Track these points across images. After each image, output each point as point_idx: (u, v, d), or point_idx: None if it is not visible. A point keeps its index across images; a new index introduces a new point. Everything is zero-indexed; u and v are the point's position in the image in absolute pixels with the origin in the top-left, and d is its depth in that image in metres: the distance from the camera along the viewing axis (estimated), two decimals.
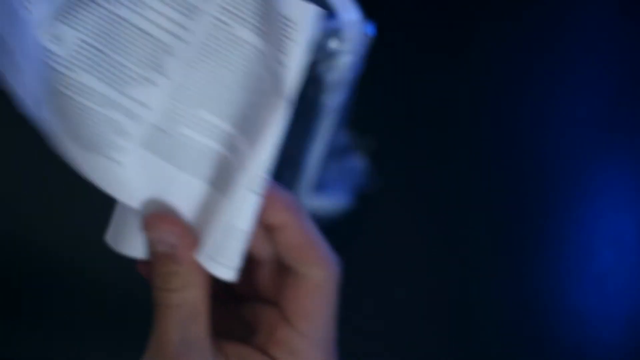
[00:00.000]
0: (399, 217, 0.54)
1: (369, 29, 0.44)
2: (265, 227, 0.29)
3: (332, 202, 0.50)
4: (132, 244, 0.29)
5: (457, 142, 0.56)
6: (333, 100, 0.45)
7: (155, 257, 0.27)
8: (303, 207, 0.29)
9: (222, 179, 0.30)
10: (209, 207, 0.30)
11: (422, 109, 0.57)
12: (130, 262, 0.29)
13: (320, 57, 0.43)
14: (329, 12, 0.43)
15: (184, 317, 0.26)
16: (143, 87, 0.30)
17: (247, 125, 0.30)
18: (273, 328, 0.28)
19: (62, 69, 0.30)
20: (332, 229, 0.51)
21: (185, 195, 0.30)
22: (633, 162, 0.57)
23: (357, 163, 0.52)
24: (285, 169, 0.45)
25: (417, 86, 0.57)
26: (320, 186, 0.48)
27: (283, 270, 0.28)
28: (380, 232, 0.53)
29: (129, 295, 0.43)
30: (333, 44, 0.43)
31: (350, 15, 0.43)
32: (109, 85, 0.30)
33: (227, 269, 0.27)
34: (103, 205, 0.30)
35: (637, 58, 0.60)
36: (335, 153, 0.48)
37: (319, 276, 0.28)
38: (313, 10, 0.29)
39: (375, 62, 0.46)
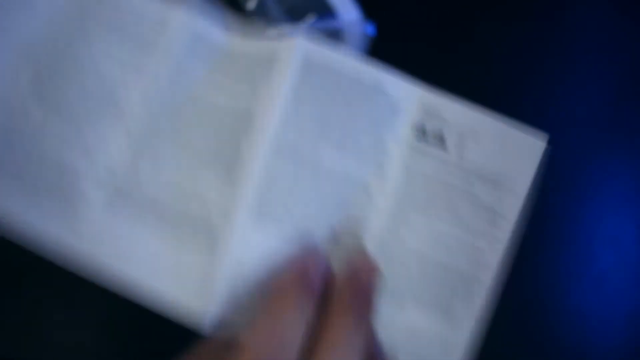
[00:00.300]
0: None
1: (369, 29, 0.44)
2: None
3: None
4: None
5: None
6: None
7: None
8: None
9: (189, 231, 0.29)
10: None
11: None
12: None
13: None
14: (329, 12, 0.43)
15: None
16: (102, 128, 0.30)
17: (216, 162, 0.30)
18: None
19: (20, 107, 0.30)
20: None
21: (150, 248, 0.29)
22: (633, 162, 0.57)
23: None
24: None
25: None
26: None
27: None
28: None
29: None
30: (333, 44, 0.43)
31: (350, 15, 0.43)
32: (68, 125, 0.30)
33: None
34: None
35: (637, 58, 0.60)
36: None
37: None
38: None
39: (375, 62, 0.46)
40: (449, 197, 0.30)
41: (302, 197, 0.28)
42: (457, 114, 0.31)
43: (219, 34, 0.31)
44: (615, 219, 0.55)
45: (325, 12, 0.42)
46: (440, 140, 0.31)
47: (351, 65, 0.31)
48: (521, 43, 0.60)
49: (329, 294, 0.27)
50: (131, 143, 0.29)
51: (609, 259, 0.53)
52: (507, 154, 0.30)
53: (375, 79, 0.31)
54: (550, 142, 0.58)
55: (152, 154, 0.29)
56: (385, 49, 0.46)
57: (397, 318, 0.29)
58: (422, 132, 0.31)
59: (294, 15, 0.42)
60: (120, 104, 0.29)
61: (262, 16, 0.41)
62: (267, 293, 0.26)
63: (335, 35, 0.42)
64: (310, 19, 0.42)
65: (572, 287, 0.52)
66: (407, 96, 0.31)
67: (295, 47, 0.30)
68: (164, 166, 0.29)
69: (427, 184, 0.30)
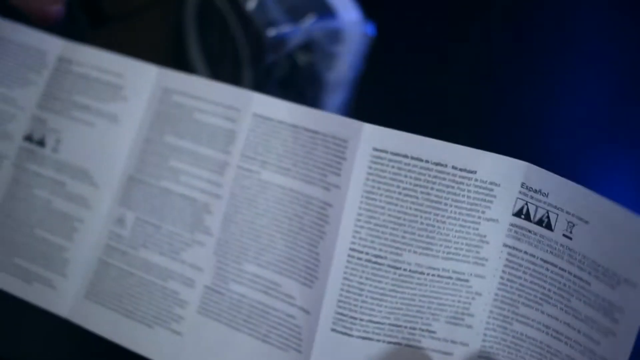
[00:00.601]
0: None
1: (369, 29, 0.44)
2: None
3: None
4: None
5: (457, 142, 0.56)
6: (333, 100, 0.45)
7: None
8: None
9: (276, 333, 0.30)
10: None
11: (422, 108, 0.57)
12: None
13: (320, 57, 0.43)
14: (329, 12, 0.43)
15: None
16: (193, 249, 0.31)
17: (293, 267, 0.30)
18: None
19: (126, 248, 0.32)
20: None
21: (242, 355, 0.30)
22: (633, 162, 0.57)
23: None
24: None
25: (417, 86, 0.57)
26: None
27: None
28: None
29: None
30: (333, 44, 0.43)
31: (350, 15, 0.43)
32: (165, 255, 0.32)
33: None
34: None
35: (637, 58, 0.60)
36: None
37: None
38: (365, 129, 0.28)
39: (375, 62, 0.46)
40: (557, 282, 0.27)
41: (384, 298, 0.28)
42: (562, 192, 0.27)
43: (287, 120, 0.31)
44: None
45: (325, 12, 0.42)
46: (546, 223, 0.27)
47: (429, 145, 0.28)
48: (521, 43, 0.60)
49: None
50: (216, 249, 0.31)
51: None
52: (621, 240, 0.26)
53: (466, 157, 0.28)
54: (548, 141, 0.58)
55: (234, 251, 0.31)
56: (385, 48, 0.46)
57: None
58: (525, 215, 0.27)
59: (294, 15, 0.42)
60: (205, 224, 0.31)
61: (262, 16, 0.41)
62: None
63: (335, 35, 0.43)
64: (310, 19, 0.42)
65: None
66: (507, 175, 0.28)
67: (362, 132, 0.28)
68: (247, 268, 0.30)
69: (532, 268, 0.27)
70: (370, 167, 0.28)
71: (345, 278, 0.28)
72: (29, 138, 0.34)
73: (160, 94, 0.33)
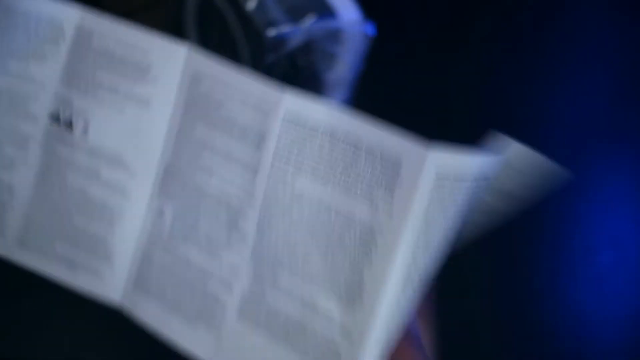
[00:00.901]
0: None
1: (369, 29, 0.44)
2: None
3: None
4: None
5: (457, 142, 0.56)
6: (333, 100, 0.45)
7: None
8: None
9: (314, 348, 0.28)
10: None
11: (422, 108, 0.57)
12: None
13: (320, 57, 0.43)
14: (329, 12, 0.43)
15: None
16: (230, 251, 0.31)
17: (334, 283, 0.28)
18: None
19: (168, 241, 0.32)
20: None
21: None
22: (633, 162, 0.57)
23: None
24: None
25: (417, 86, 0.57)
26: None
27: None
28: None
29: None
30: (333, 44, 0.43)
31: (350, 15, 0.43)
32: (204, 253, 0.31)
33: None
34: None
35: (637, 58, 0.60)
36: None
37: None
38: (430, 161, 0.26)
39: (375, 62, 0.46)
40: None
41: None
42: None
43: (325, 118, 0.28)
44: (616, 219, 0.55)
45: (325, 12, 0.42)
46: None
47: (485, 170, 0.26)
48: (521, 43, 0.60)
49: None
50: (253, 254, 0.30)
51: (609, 259, 0.53)
52: None
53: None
54: (548, 141, 0.58)
55: (271, 265, 0.29)
56: (385, 48, 0.46)
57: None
58: None
59: (294, 15, 0.42)
60: (241, 228, 0.30)
61: (262, 16, 0.41)
62: None
63: (335, 35, 0.43)
64: (310, 19, 0.42)
65: (572, 287, 0.52)
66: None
67: (426, 158, 0.26)
68: (283, 277, 0.29)
69: None
70: (431, 194, 0.25)
71: (395, 305, 0.26)
72: (55, 118, 0.33)
73: (189, 79, 0.31)
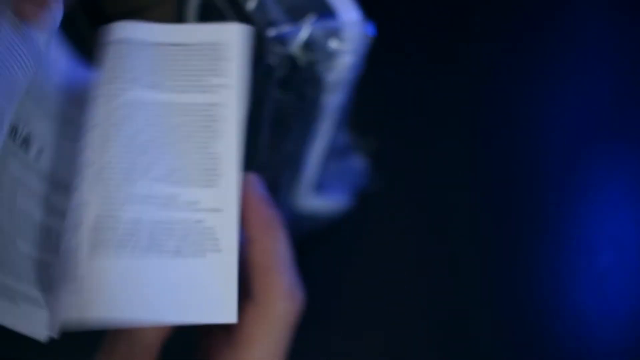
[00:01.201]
0: (398, 217, 0.54)
1: (369, 29, 0.44)
2: (246, 237, 0.27)
3: (332, 202, 0.50)
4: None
5: (457, 142, 0.56)
6: (333, 101, 0.45)
7: None
8: (282, 229, 0.28)
9: (186, 243, 0.27)
10: (192, 276, 0.27)
11: (422, 108, 0.57)
12: None
13: (320, 57, 0.43)
14: (329, 12, 0.43)
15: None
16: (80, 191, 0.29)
17: (188, 174, 0.29)
18: (215, 353, 0.27)
19: None
20: (332, 229, 0.51)
21: (155, 281, 0.27)
22: (633, 162, 0.57)
23: (357, 163, 0.52)
24: (285, 169, 0.45)
25: (417, 86, 0.57)
26: (320, 186, 0.48)
27: (242, 293, 0.26)
28: (379, 233, 0.53)
29: None
30: (333, 44, 0.43)
31: (350, 15, 0.43)
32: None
33: (226, 317, 0.26)
34: None
35: (637, 58, 0.60)
36: (335, 153, 0.48)
37: (277, 309, 0.26)
38: (238, 28, 0.31)
39: (375, 62, 0.46)
40: None
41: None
42: None
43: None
44: (616, 219, 0.55)
45: (325, 12, 0.42)
46: None
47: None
48: (521, 43, 0.60)
49: None
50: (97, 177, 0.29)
51: (609, 259, 0.53)
52: None
53: None
54: (548, 141, 0.58)
55: (120, 174, 0.28)
56: (385, 48, 0.46)
57: None
58: None
59: (294, 15, 0.42)
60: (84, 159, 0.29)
61: (262, 16, 0.41)
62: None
63: (335, 36, 0.43)
64: (310, 19, 0.42)
65: (572, 287, 0.52)
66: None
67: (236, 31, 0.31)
68: (134, 182, 0.28)
69: None
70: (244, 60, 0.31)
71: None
72: (14, 133, 0.28)
73: None
